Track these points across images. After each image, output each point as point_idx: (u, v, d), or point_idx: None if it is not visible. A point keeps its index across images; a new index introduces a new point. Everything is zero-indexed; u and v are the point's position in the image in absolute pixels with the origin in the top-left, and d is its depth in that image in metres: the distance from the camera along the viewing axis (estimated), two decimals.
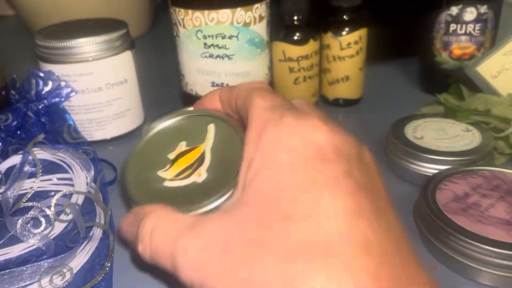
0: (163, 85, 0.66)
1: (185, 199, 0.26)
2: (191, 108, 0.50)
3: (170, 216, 0.23)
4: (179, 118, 0.31)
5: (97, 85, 0.48)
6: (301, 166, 0.21)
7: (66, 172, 0.41)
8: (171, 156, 0.29)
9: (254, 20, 0.49)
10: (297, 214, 0.19)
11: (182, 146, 0.30)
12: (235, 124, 0.28)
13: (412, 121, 0.44)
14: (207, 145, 0.29)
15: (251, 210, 0.21)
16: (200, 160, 0.28)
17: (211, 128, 0.29)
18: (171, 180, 0.28)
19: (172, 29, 0.53)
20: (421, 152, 0.39)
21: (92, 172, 0.40)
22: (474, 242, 0.30)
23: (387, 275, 0.18)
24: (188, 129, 0.30)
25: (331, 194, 0.20)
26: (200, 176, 0.27)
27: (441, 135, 0.41)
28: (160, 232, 0.23)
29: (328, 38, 0.53)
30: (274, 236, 0.19)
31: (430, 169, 0.39)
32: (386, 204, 0.22)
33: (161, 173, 0.29)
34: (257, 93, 0.25)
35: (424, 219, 0.34)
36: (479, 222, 0.31)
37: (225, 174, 0.26)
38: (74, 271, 0.32)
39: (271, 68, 0.55)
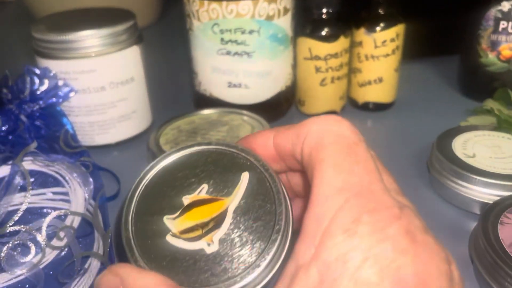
0: (172, 84, 0.60)
1: (181, 270, 0.20)
2: (209, 111, 0.45)
3: None
4: (212, 147, 0.24)
5: (100, 84, 0.42)
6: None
7: (62, 185, 0.36)
8: (186, 200, 0.23)
9: (278, 13, 0.44)
10: None
11: (203, 190, 0.23)
12: (277, 180, 0.22)
13: (461, 135, 0.38)
14: (233, 202, 0.22)
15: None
16: (218, 221, 0.22)
17: (245, 178, 0.23)
18: (175, 235, 0.22)
19: (184, 21, 0.47)
20: (474, 174, 0.33)
21: (92, 188, 0.34)
22: None
23: None
24: (218, 168, 0.23)
25: None
26: (210, 245, 0.21)
27: (497, 154, 0.35)
28: None
29: (361, 34, 0.47)
30: None
31: (484, 194, 0.33)
32: None
33: (167, 220, 0.22)
34: (332, 152, 0.19)
35: (483, 256, 0.28)
36: None
37: (239, 256, 0.20)
38: None
39: (294, 67, 0.49)
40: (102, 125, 0.44)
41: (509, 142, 0.37)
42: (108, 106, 0.43)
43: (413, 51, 0.54)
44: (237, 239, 0.21)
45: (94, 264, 0.30)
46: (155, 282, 0.19)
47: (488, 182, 0.33)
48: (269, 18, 0.43)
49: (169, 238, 0.21)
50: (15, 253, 0.30)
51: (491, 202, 0.32)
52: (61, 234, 0.31)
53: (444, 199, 0.36)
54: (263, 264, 0.20)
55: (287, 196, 0.22)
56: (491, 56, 0.48)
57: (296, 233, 0.19)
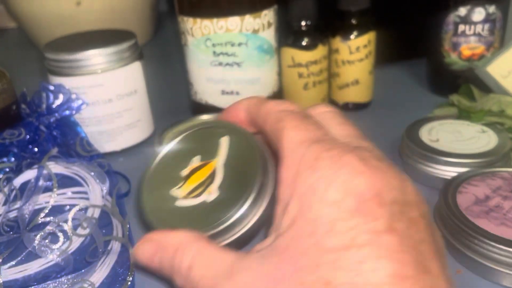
0: (170, 94, 0.65)
1: (194, 221, 0.26)
2: (206, 117, 0.50)
3: (205, 252, 0.23)
4: (194, 130, 0.30)
5: (107, 97, 0.47)
6: (340, 222, 0.20)
7: (81, 185, 0.41)
8: (185, 172, 0.29)
9: (262, 27, 0.49)
10: (337, 281, 0.19)
11: (196, 161, 0.29)
12: (252, 137, 0.28)
13: (427, 124, 0.44)
14: (219, 160, 0.28)
15: (287, 263, 0.20)
16: (212, 177, 0.27)
17: (225, 141, 0.28)
18: (183, 198, 0.27)
19: (180, 38, 0.52)
20: (438, 155, 0.39)
21: (108, 185, 0.39)
22: (499, 245, 0.29)
23: None
24: (202, 142, 0.29)
25: (373, 256, 0.19)
26: (211, 194, 0.27)
27: (457, 137, 0.41)
28: (198, 271, 0.23)
29: (337, 42, 0.53)
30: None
31: (447, 172, 0.39)
32: (433, 257, 0.20)
33: (174, 192, 0.28)
34: (289, 121, 0.24)
35: (446, 223, 0.33)
36: (502, 225, 0.31)
37: (237, 192, 0.26)
38: (96, 286, 0.32)
39: (280, 74, 0.55)
40: (110, 133, 0.49)
41: (468, 127, 0.43)
42: (115, 116, 0.49)
43: (386, 56, 0.60)
44: (228, 186, 0.27)
45: (115, 247, 0.35)
46: (185, 235, 0.24)
47: (449, 161, 0.39)
48: (255, 31, 0.49)
49: (178, 202, 0.27)
50: (46, 241, 0.35)
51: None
52: (85, 224, 0.36)
53: (414, 179, 0.41)
54: (250, 199, 0.25)
55: (262, 148, 0.27)
56: (454, 56, 0.54)
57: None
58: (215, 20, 0.47)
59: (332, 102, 0.57)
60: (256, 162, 0.26)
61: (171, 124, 0.50)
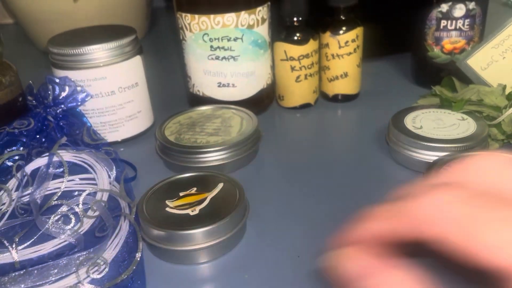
0: (168, 87, 0.68)
1: (174, 224, 0.35)
2: (204, 108, 0.54)
3: None
4: (202, 173, 0.41)
5: (110, 89, 0.50)
6: None
7: (88, 172, 0.43)
8: (181, 194, 0.39)
9: (257, 22, 0.52)
10: None
11: (193, 190, 0.39)
12: (241, 188, 0.38)
13: (411, 113, 0.47)
14: (210, 195, 0.38)
15: None
16: (200, 202, 0.37)
17: (220, 185, 0.39)
18: (171, 208, 0.37)
19: (177, 33, 0.55)
20: (421, 140, 0.42)
21: (114, 171, 0.42)
22: None
23: None
24: (204, 181, 0.40)
25: None
26: (193, 212, 0.36)
27: (439, 125, 0.44)
28: None
29: (327, 37, 0.56)
30: None
31: (430, 156, 0.42)
32: None
33: (168, 202, 0.37)
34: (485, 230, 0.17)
35: None
36: None
37: (212, 215, 0.35)
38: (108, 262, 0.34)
39: (273, 67, 0.57)
40: (112, 124, 0.52)
41: (449, 116, 0.46)
42: (117, 107, 0.51)
43: (374, 50, 0.63)
44: (211, 210, 0.36)
45: (124, 226, 0.38)
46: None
47: (432, 146, 0.42)
48: (250, 27, 0.52)
49: (168, 209, 0.37)
50: (59, 222, 0.38)
51: None
52: (94, 207, 0.39)
53: (400, 163, 0.45)
54: (225, 219, 0.35)
55: (242, 198, 0.37)
56: (436, 50, 0.57)
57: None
58: (212, 16, 0.50)
59: (322, 94, 0.60)
60: (232, 205, 0.36)
61: (171, 115, 0.52)
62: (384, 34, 0.64)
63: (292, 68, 0.56)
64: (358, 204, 0.25)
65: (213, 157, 0.45)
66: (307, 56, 0.55)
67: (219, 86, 0.54)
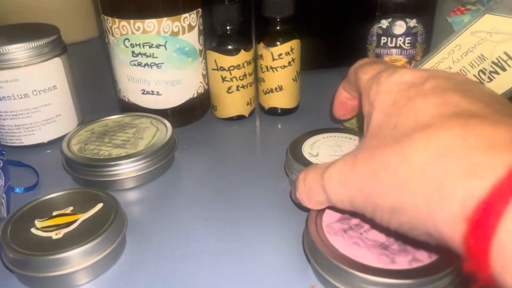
0: (104, 90, 0.66)
1: (35, 248, 0.32)
2: (122, 116, 0.52)
3: (312, 167, 0.32)
4: (83, 190, 0.39)
5: (23, 92, 0.48)
6: (399, 95, 0.27)
7: None
8: (55, 213, 0.36)
9: (182, 30, 0.50)
10: (400, 122, 0.26)
11: (69, 210, 0.37)
12: (118, 207, 0.36)
13: (312, 137, 0.44)
14: (83, 217, 0.36)
15: (369, 136, 0.28)
16: (68, 224, 0.35)
17: (99, 206, 0.37)
18: (37, 229, 0.34)
19: (104, 36, 0.53)
20: None
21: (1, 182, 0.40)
22: (341, 265, 0.30)
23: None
24: (83, 200, 0.37)
25: (422, 101, 0.26)
26: (57, 235, 0.34)
27: (337, 151, 0.41)
28: (309, 176, 0.31)
29: (261, 48, 0.53)
30: (386, 136, 0.26)
31: None
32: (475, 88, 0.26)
33: (37, 222, 0.35)
34: (360, 70, 0.33)
35: (308, 238, 0.34)
36: (354, 244, 0.32)
37: (74, 240, 0.33)
38: None
39: (206, 76, 0.55)
40: (28, 127, 0.50)
41: (350, 141, 0.43)
42: (32, 111, 0.49)
43: (319, 62, 0.61)
44: (77, 234, 0.34)
45: None
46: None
47: None
48: (174, 34, 0.49)
49: (32, 230, 0.34)
50: None
51: None
52: None
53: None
54: (89, 245, 0.33)
55: (120, 220, 0.36)
56: None
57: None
58: (132, 20, 0.48)
59: (260, 106, 0.58)
60: (103, 228, 0.34)
61: (88, 122, 0.51)
62: (329, 46, 0.61)
63: (223, 79, 0.53)
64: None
65: (112, 172, 0.43)
66: (238, 67, 0.53)
67: (143, 93, 0.52)
